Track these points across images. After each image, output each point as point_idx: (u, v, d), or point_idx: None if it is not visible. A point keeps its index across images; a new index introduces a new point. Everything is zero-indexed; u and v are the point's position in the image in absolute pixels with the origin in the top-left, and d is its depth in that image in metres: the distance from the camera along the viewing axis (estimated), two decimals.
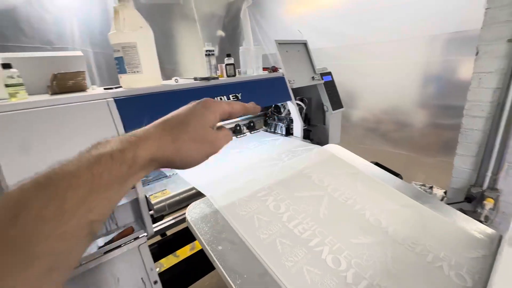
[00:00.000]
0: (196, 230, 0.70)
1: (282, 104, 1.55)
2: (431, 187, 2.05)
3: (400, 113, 2.25)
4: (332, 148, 1.18)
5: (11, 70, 0.74)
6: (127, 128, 0.84)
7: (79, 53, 1.01)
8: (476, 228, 0.80)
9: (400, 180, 1.02)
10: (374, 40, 2.22)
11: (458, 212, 0.88)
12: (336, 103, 1.54)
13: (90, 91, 0.94)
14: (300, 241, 0.71)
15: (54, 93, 0.87)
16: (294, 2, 2.69)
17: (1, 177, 0.65)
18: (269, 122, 1.63)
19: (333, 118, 1.55)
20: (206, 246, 0.65)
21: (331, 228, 0.77)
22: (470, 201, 1.40)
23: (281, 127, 1.53)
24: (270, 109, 1.63)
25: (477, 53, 1.30)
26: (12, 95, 0.74)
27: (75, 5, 2.03)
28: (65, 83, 0.88)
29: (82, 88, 0.93)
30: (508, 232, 0.51)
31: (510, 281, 0.38)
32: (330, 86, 1.55)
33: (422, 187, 2.09)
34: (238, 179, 0.95)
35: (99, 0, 2.15)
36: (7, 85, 0.73)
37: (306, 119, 1.60)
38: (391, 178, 1.02)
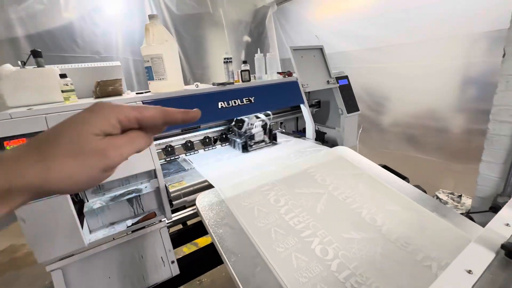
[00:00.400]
0: (203, 215, 0.81)
1: (247, 117, 1.42)
2: (460, 196, 1.93)
3: (431, 117, 2.13)
4: (340, 150, 1.21)
5: (66, 79, 0.93)
6: None
7: (117, 63, 1.20)
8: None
9: (407, 183, 1.02)
10: (403, 41, 2.15)
11: (465, 218, 0.87)
12: (352, 106, 1.56)
13: (125, 95, 1.12)
14: (293, 231, 0.79)
15: (97, 97, 1.06)
16: (319, 6, 2.71)
17: None
18: (229, 137, 1.48)
19: (348, 121, 1.57)
20: (209, 229, 0.76)
21: (325, 222, 0.82)
22: (496, 211, 1.31)
23: (239, 144, 1.37)
24: (232, 123, 1.48)
25: (504, 55, 1.23)
26: (66, 99, 0.94)
27: (120, 18, 2.33)
28: (105, 88, 1.06)
29: (119, 93, 1.11)
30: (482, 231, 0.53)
31: (455, 275, 0.42)
32: (346, 90, 1.57)
33: (450, 195, 1.97)
34: (245, 174, 1.05)
35: (139, 13, 2.43)
36: (63, 91, 0.93)
37: (270, 135, 1.44)
38: (397, 181, 1.03)
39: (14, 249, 2.12)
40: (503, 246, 0.44)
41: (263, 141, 1.42)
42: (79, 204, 1.00)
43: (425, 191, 1.24)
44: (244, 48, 3.18)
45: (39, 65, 1.01)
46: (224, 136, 1.49)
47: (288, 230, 0.78)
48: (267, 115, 1.42)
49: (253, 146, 1.38)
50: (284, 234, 0.77)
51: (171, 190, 1.00)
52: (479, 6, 1.68)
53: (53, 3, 1.92)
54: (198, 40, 2.86)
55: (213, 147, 1.46)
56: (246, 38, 3.16)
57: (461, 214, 0.91)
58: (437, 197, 1.99)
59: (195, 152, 1.41)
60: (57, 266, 0.89)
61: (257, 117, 1.43)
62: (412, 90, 2.18)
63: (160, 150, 1.33)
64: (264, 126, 1.41)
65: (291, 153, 1.25)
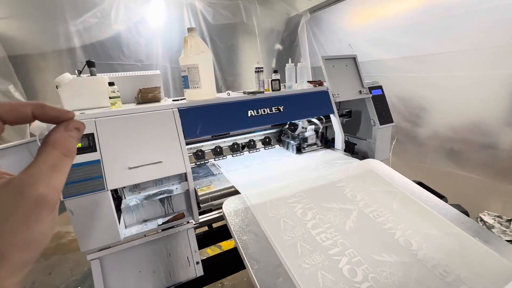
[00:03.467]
0: (229, 220, 0.83)
1: (300, 121, 1.52)
2: (509, 220, 1.73)
3: (476, 131, 1.95)
4: (371, 163, 1.16)
5: (114, 87, 1.03)
6: (185, 131, 1.05)
7: (157, 72, 1.29)
8: None
9: (446, 203, 0.95)
10: (445, 50, 2.00)
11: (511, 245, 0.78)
12: (385, 117, 1.49)
13: (163, 102, 1.20)
14: (320, 248, 0.77)
15: (139, 103, 1.15)
16: (353, 14, 2.65)
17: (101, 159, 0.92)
18: (282, 139, 1.58)
19: (381, 133, 1.50)
20: (234, 234, 0.77)
21: (354, 241, 0.79)
22: None
23: (293, 145, 1.46)
24: (286, 126, 1.57)
25: None
26: (112, 104, 1.03)
27: (161, 29, 2.51)
28: (146, 95, 1.15)
29: (157, 99, 1.19)
30: None
31: None
32: (380, 100, 1.51)
33: (497, 218, 1.77)
34: (272, 183, 1.05)
35: (179, 24, 2.59)
36: (110, 97, 1.02)
37: (322, 138, 1.52)
38: (435, 200, 0.96)
39: (60, 235, 2.38)
40: None
41: (315, 144, 1.49)
42: (117, 200, 1.08)
43: (467, 212, 1.13)
44: (276, 56, 3.21)
45: (92, 74, 1.12)
46: (267, 140, 1.58)
47: (315, 246, 0.77)
48: (319, 119, 1.49)
49: (306, 148, 1.46)
50: (311, 250, 0.75)
51: (199, 193, 1.04)
52: None
53: (105, 17, 2.14)
54: (231, 49, 2.96)
55: (241, 154, 1.49)
56: (278, 47, 3.19)
57: (508, 241, 0.82)
58: (481, 219, 1.80)
59: (224, 157, 1.45)
60: (96, 256, 0.97)
61: (310, 122, 1.52)
62: (454, 101, 2.01)
63: (191, 154, 1.39)
64: (316, 130, 1.50)
65: (320, 164, 1.23)
